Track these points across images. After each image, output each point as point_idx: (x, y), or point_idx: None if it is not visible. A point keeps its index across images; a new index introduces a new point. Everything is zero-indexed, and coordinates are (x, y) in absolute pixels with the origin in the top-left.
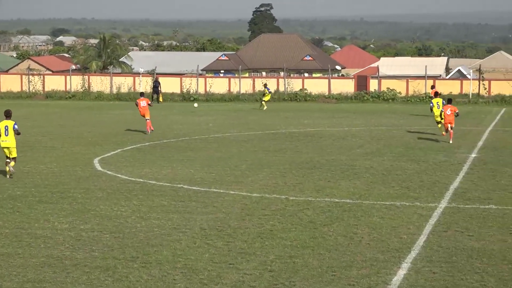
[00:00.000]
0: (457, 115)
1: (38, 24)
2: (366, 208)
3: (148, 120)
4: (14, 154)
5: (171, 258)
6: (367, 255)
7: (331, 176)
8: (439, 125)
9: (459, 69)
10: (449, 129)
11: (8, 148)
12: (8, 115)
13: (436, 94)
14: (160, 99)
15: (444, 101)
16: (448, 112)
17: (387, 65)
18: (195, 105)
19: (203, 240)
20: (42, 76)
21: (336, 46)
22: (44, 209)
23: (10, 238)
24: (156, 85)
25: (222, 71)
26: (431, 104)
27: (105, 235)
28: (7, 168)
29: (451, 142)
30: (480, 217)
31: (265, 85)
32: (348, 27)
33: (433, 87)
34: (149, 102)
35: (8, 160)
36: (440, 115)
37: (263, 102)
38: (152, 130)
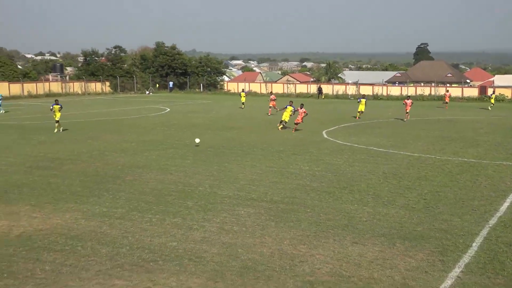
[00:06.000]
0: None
1: (292, 55)
2: (484, 165)
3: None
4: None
5: (366, 188)
6: (484, 193)
7: (463, 145)
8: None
9: None
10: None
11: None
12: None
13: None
14: (322, 97)
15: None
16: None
17: (499, 79)
18: (197, 140)
19: (384, 180)
20: (294, 85)
21: (467, 68)
22: (295, 158)
23: (277, 173)
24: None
25: (397, 83)
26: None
27: (328, 174)
28: (280, 127)
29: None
30: None
31: (493, 92)
32: (473, 57)
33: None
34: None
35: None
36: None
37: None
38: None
